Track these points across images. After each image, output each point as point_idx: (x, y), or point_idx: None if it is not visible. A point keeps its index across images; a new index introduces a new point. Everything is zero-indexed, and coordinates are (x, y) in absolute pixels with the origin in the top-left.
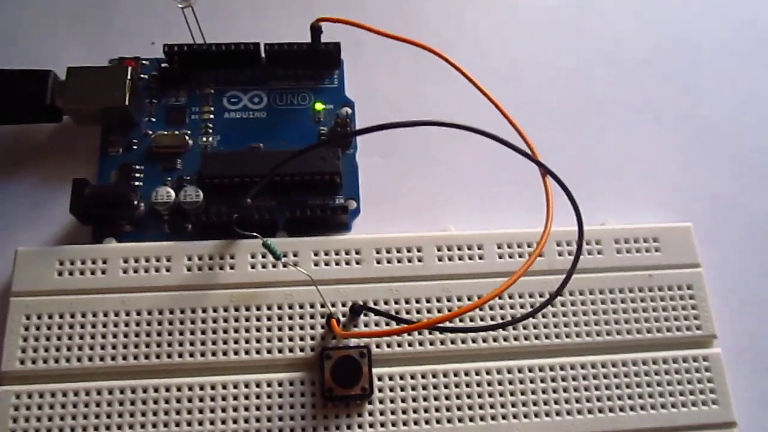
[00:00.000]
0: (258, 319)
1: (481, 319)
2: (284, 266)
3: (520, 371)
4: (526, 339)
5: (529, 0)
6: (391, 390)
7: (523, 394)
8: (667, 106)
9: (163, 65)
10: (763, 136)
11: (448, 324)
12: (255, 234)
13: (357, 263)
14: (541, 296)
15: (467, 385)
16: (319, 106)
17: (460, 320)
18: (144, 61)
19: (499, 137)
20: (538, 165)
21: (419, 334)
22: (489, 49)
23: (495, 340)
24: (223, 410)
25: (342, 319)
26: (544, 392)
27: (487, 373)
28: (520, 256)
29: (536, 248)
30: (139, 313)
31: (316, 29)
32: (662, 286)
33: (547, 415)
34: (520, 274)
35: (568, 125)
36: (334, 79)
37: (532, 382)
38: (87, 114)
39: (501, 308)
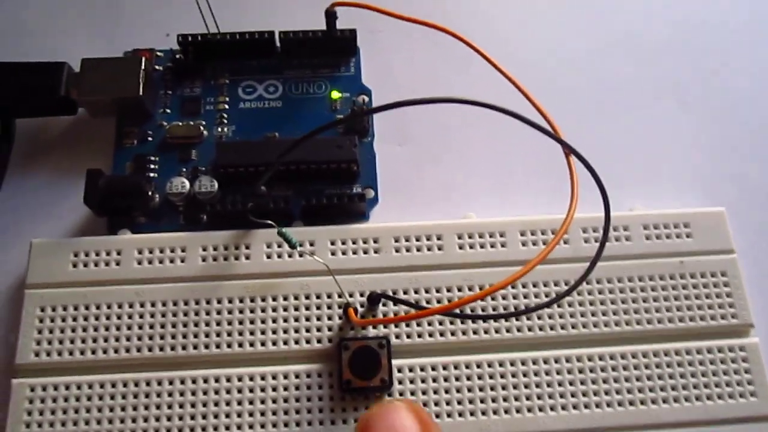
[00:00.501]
0: (274, 310)
1: (504, 309)
2: (300, 256)
3: (545, 362)
4: (551, 329)
5: None
6: (412, 382)
7: (549, 386)
8: (692, 88)
9: (177, 56)
10: None
11: (466, 312)
12: (270, 222)
13: (375, 252)
14: (566, 284)
15: (490, 377)
16: (335, 94)
17: (482, 310)
18: (158, 53)
19: (520, 115)
20: (562, 144)
21: (440, 324)
22: (507, 33)
23: (519, 330)
24: (239, 403)
25: (360, 309)
26: (571, 384)
27: (511, 364)
28: (543, 244)
29: (560, 230)
30: (153, 305)
31: (331, 15)
32: (694, 273)
33: (575, 407)
34: (540, 259)
35: (589, 110)
36: (350, 67)
37: (558, 373)
38: (102, 105)
39: (525, 297)
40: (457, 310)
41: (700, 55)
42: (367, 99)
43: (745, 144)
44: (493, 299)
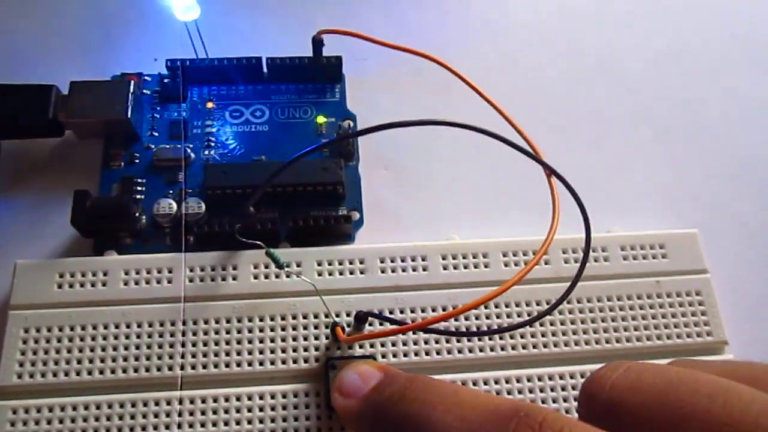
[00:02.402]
0: (261, 330)
1: (488, 327)
2: (287, 276)
3: (528, 380)
4: (534, 347)
5: (528, 15)
6: None
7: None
8: (666, 116)
9: (165, 80)
10: (761, 143)
11: (449, 328)
12: (258, 243)
13: (361, 273)
14: (547, 304)
15: None
16: (321, 119)
17: (466, 328)
18: (146, 77)
19: (502, 136)
20: (543, 165)
21: (425, 343)
22: (489, 61)
23: (503, 349)
24: (226, 423)
25: (347, 328)
26: (554, 401)
27: (495, 382)
28: (525, 264)
29: (540, 249)
30: (140, 326)
31: (318, 42)
32: (670, 292)
33: None
34: (520, 277)
35: (568, 137)
36: (336, 93)
37: (541, 391)
38: (89, 127)
39: (508, 316)
40: (441, 327)
41: (673, 85)
42: (352, 124)
43: (716, 169)
44: (477, 318)
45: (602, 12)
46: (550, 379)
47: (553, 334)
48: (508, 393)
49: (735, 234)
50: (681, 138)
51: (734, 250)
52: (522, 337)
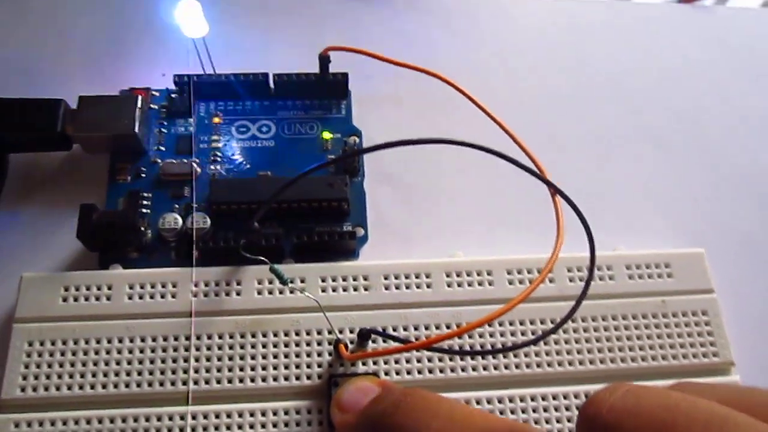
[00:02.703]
0: (264, 346)
1: (492, 346)
2: (291, 292)
3: (532, 399)
4: (538, 366)
5: (533, 33)
6: None
7: (536, 423)
8: (671, 133)
9: (172, 95)
10: (765, 159)
11: (453, 347)
12: (262, 258)
13: (365, 289)
14: (551, 322)
15: None
16: (326, 135)
17: (470, 347)
18: (154, 92)
19: (507, 155)
20: (548, 185)
21: (429, 361)
22: (494, 78)
23: (507, 368)
24: None
25: (350, 345)
26: (558, 421)
27: (499, 401)
28: (529, 282)
29: (545, 268)
30: (143, 340)
31: (324, 58)
32: (676, 312)
33: None
34: (524, 296)
35: (572, 155)
36: (341, 109)
37: (545, 410)
38: (96, 142)
39: (512, 335)
40: (445, 346)
41: (678, 102)
42: (357, 140)
43: (722, 187)
44: (481, 336)
45: (607, 30)
46: (554, 398)
47: (558, 354)
48: (512, 412)
49: (742, 253)
50: (686, 155)
51: (741, 269)
52: (526, 356)
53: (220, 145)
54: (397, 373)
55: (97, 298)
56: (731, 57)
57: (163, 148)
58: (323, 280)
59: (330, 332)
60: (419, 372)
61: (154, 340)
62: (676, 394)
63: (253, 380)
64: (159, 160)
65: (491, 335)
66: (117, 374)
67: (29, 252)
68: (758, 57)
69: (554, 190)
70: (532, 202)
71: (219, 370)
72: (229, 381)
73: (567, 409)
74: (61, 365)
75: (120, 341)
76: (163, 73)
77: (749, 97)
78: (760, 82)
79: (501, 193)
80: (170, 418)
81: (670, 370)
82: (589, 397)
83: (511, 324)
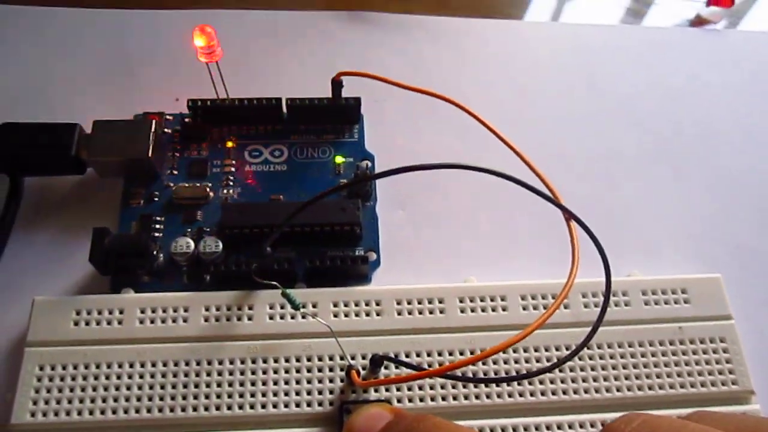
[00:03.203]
0: (276, 372)
1: (506, 373)
2: (303, 317)
3: (548, 428)
4: (553, 394)
5: (544, 56)
6: None
7: None
8: (685, 156)
9: (186, 120)
10: None
11: (466, 373)
12: (274, 283)
13: (377, 315)
14: (567, 349)
15: None
16: (339, 159)
17: (484, 374)
18: (168, 116)
19: (521, 180)
20: (562, 209)
21: (442, 388)
22: (506, 102)
23: (521, 395)
24: None
25: (362, 372)
26: None
27: (513, 430)
28: (544, 308)
29: (560, 294)
30: (154, 365)
31: (337, 83)
32: (693, 338)
33: None
34: (540, 323)
35: (586, 178)
36: (354, 134)
37: None
38: (110, 166)
39: (527, 362)
40: (459, 373)
41: (692, 124)
42: (370, 164)
43: (739, 210)
44: (495, 363)
45: (618, 53)
46: (570, 427)
47: (573, 381)
48: None
49: (761, 277)
50: (700, 180)
51: (761, 295)
52: (541, 383)
53: (232, 169)
54: (410, 400)
55: (109, 323)
56: (743, 79)
57: (176, 172)
58: (335, 305)
59: (342, 358)
60: (432, 399)
61: (165, 365)
62: (692, 424)
63: (264, 406)
64: (172, 184)
65: (506, 362)
66: (128, 399)
67: (42, 275)
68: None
69: (569, 215)
70: (546, 227)
71: (230, 395)
72: (240, 407)
73: None
74: (71, 390)
75: (131, 366)
76: (176, 98)
77: (762, 118)
78: None
79: (515, 218)
80: None
81: (687, 398)
82: (605, 427)
83: (525, 351)
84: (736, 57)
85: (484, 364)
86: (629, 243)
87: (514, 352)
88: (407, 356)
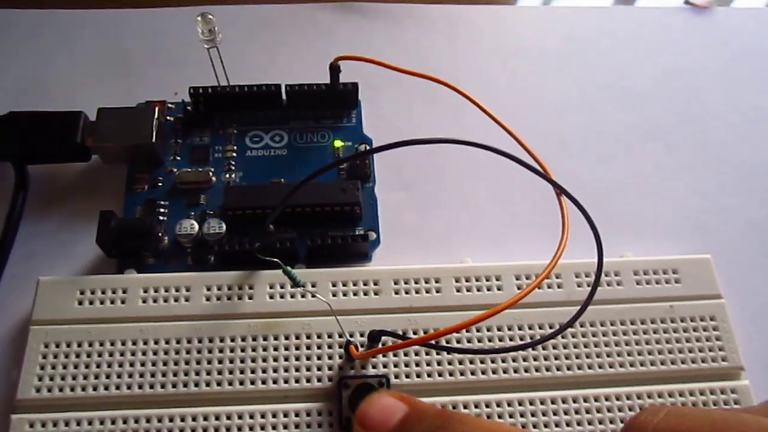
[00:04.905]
0: (276, 349)
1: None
2: (302, 296)
3: (542, 403)
4: (547, 370)
5: (536, 40)
6: None
7: (546, 426)
8: (677, 135)
9: (188, 107)
10: None
11: (453, 344)
12: (276, 260)
13: (375, 294)
14: (560, 326)
15: (487, 416)
16: (338, 143)
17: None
18: (170, 104)
19: (512, 155)
20: (553, 185)
21: (438, 365)
22: (499, 83)
23: (516, 371)
24: None
25: (360, 348)
26: (568, 425)
27: (509, 405)
28: (538, 288)
29: (548, 265)
30: (157, 342)
31: (334, 69)
32: (684, 317)
33: None
34: (525, 293)
35: (578, 158)
36: (352, 118)
37: (555, 414)
38: (115, 152)
39: (521, 339)
40: (454, 344)
41: (683, 103)
42: (367, 147)
43: (729, 187)
44: (490, 341)
45: (608, 34)
46: (564, 402)
47: (567, 357)
48: (521, 415)
49: (751, 258)
50: (691, 159)
51: (751, 273)
52: (535, 359)
53: (234, 154)
54: (407, 376)
55: (112, 302)
56: (733, 56)
57: (179, 158)
58: (334, 285)
59: (341, 335)
60: (428, 375)
61: (167, 342)
62: (720, 411)
63: (264, 382)
64: (175, 170)
65: (500, 339)
66: (131, 376)
67: (50, 260)
68: (761, 56)
69: (559, 190)
70: (541, 207)
71: (231, 372)
72: (241, 383)
73: (577, 412)
74: (75, 367)
75: (134, 343)
76: (175, 92)
77: (753, 95)
78: (761, 77)
79: (511, 199)
80: (182, 419)
81: (679, 374)
82: (629, 422)
83: (519, 328)
84: (725, 35)
85: (479, 341)
86: (622, 223)
87: (509, 329)
88: (404, 333)
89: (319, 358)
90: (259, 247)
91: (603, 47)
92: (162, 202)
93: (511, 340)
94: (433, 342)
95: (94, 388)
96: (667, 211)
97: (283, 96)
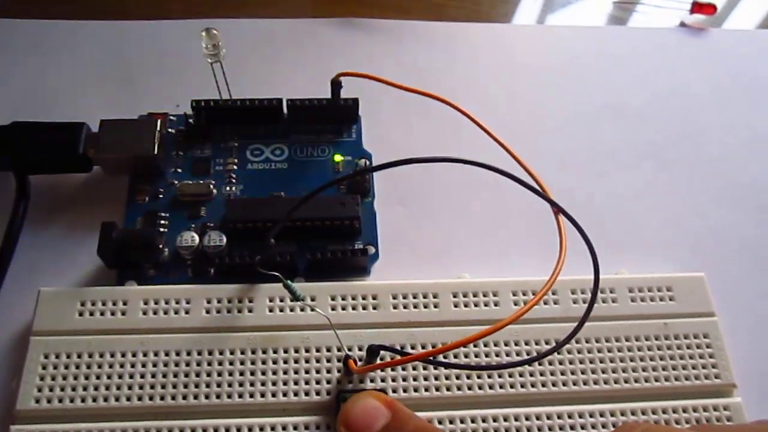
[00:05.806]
0: (275, 362)
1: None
2: (302, 310)
3: (538, 418)
4: (543, 386)
5: (533, 58)
6: None
7: None
8: (671, 154)
9: (189, 120)
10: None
11: (451, 359)
12: (276, 273)
13: (374, 308)
14: (556, 343)
15: (484, 431)
16: (338, 157)
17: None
18: (172, 116)
19: (510, 173)
20: (551, 203)
21: (435, 379)
22: (498, 101)
23: (512, 387)
24: None
25: (359, 363)
26: None
27: (505, 420)
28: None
29: (547, 283)
30: (157, 354)
31: (336, 84)
32: (678, 334)
33: None
34: (523, 312)
35: (575, 175)
36: (352, 133)
37: (550, 429)
38: (117, 163)
39: (517, 354)
40: (452, 359)
41: (678, 122)
42: (367, 162)
43: (724, 207)
44: (487, 356)
45: (602, 54)
46: (559, 417)
47: (562, 374)
48: (517, 431)
49: (744, 276)
50: (686, 178)
51: (744, 291)
52: (531, 375)
53: (234, 167)
54: (404, 390)
55: (113, 313)
56: (727, 76)
57: (180, 170)
58: (333, 299)
59: (339, 349)
60: (426, 390)
61: (167, 354)
62: (689, 429)
63: (263, 395)
64: (176, 182)
65: (497, 354)
66: (130, 387)
67: (50, 270)
68: (754, 77)
69: (557, 209)
70: (539, 226)
71: (230, 385)
72: (240, 396)
73: (572, 428)
74: (75, 378)
75: (134, 355)
76: (177, 104)
77: (747, 115)
78: (753, 98)
79: (507, 217)
80: (182, 431)
81: (672, 391)
82: None
83: (516, 344)
84: (719, 56)
85: (476, 356)
86: (618, 240)
87: (506, 345)
88: (402, 348)
89: (317, 372)
90: (260, 260)
91: (599, 67)
92: (163, 214)
93: (507, 355)
94: (431, 357)
95: (94, 400)
96: (662, 228)
97: (285, 110)
